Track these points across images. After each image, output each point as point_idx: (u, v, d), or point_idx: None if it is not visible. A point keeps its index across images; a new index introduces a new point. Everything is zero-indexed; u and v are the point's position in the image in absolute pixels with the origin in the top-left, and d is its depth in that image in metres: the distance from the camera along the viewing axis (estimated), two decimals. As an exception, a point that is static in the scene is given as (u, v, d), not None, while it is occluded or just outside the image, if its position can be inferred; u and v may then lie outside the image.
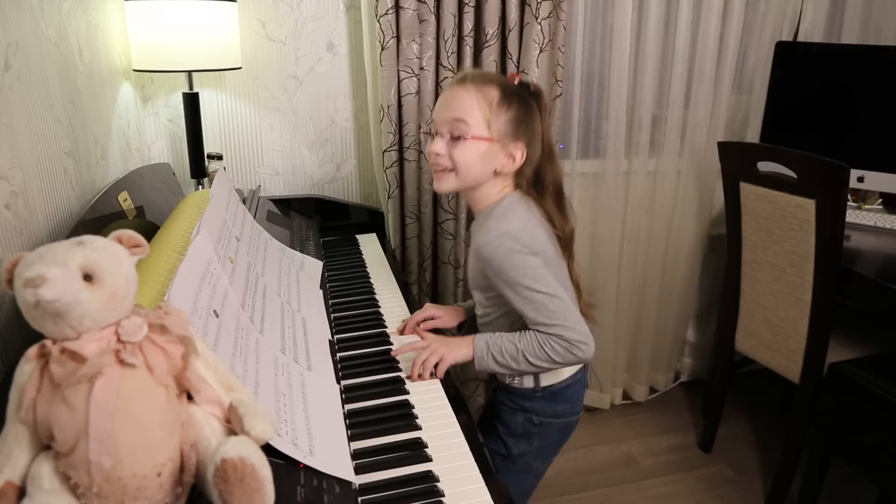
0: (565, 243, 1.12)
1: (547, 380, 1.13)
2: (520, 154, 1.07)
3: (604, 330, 2.16)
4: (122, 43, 1.51)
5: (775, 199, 1.67)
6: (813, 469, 1.68)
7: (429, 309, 1.23)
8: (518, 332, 1.06)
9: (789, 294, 1.69)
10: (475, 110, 1.03)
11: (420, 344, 1.09)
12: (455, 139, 1.04)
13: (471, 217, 1.86)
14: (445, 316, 1.24)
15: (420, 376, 1.03)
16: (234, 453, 0.55)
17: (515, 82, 1.08)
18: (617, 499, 1.89)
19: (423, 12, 1.64)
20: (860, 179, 1.88)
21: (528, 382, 1.14)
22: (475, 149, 1.04)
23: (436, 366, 1.05)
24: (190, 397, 0.61)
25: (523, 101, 1.06)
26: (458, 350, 1.07)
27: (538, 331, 1.04)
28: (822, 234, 1.56)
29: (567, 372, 1.14)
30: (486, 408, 1.33)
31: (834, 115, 1.93)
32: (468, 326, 1.29)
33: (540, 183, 1.11)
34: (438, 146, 1.06)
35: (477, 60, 1.72)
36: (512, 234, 1.03)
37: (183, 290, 0.75)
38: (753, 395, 2.36)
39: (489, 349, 1.06)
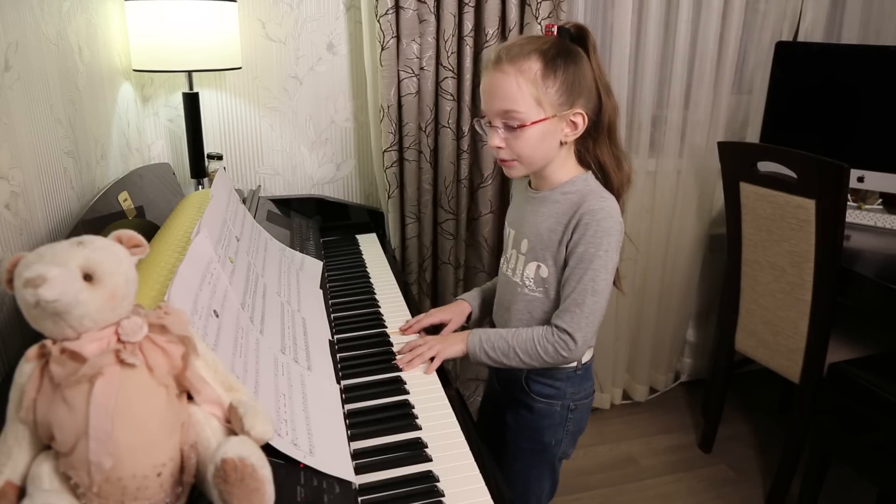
0: (618, 193, 1.07)
1: (587, 355, 1.12)
2: (581, 119, 1.01)
3: (604, 330, 2.15)
4: (122, 43, 1.51)
5: (775, 199, 1.67)
6: (813, 469, 1.68)
7: (436, 315, 1.21)
8: (514, 329, 1.07)
9: (789, 294, 1.69)
10: (521, 94, 0.97)
11: (419, 341, 1.11)
12: (510, 129, 0.99)
13: (472, 216, 1.87)
14: (454, 316, 1.23)
15: (410, 364, 1.05)
16: (234, 453, 0.55)
17: (555, 32, 1.01)
18: (617, 499, 1.89)
19: (423, 12, 1.64)
20: (860, 179, 1.88)
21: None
22: (534, 133, 0.99)
23: (431, 360, 1.07)
24: (190, 397, 0.61)
25: (569, 58, 0.99)
26: (453, 346, 1.09)
27: (550, 325, 1.04)
28: (822, 234, 1.55)
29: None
30: (493, 411, 1.27)
31: (834, 115, 1.93)
32: (478, 314, 1.27)
33: (596, 127, 1.05)
34: (496, 140, 1.01)
35: (477, 60, 1.72)
36: (619, 220, 1.02)
37: (183, 290, 0.75)
38: (753, 395, 2.36)
39: (481, 344, 1.08)
